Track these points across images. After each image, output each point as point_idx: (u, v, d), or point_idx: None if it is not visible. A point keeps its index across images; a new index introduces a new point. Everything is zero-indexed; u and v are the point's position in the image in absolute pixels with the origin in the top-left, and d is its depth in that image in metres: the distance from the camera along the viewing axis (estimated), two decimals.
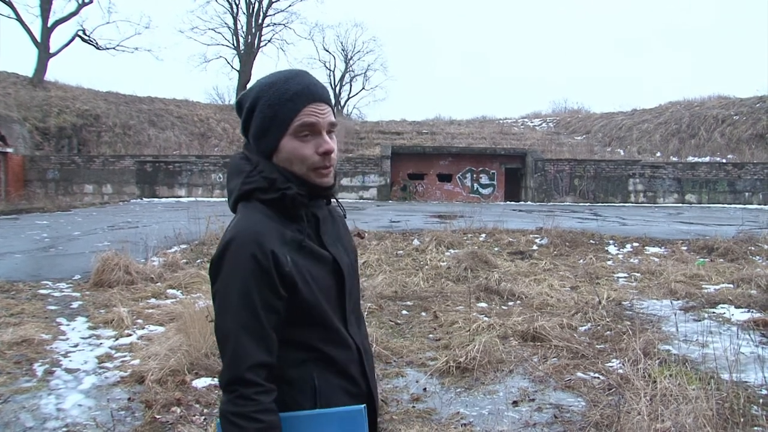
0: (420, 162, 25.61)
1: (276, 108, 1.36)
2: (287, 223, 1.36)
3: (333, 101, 1.62)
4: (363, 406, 1.36)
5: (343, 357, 1.41)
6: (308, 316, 1.35)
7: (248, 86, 1.48)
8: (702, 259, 9.26)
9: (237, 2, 37.03)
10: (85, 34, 31.42)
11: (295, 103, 1.36)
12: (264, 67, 75.68)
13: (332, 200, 1.52)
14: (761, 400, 3.78)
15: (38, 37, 29.24)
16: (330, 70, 48.79)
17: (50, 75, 30.29)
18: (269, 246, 1.29)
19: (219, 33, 40.71)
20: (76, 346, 5.10)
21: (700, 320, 5.80)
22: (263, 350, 1.28)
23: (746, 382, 4.06)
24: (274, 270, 1.28)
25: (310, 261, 1.36)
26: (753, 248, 9.83)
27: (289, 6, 38.59)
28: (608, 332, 5.33)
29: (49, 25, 29.46)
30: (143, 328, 5.58)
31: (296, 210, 1.36)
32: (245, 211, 1.36)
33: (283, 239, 1.32)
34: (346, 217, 1.58)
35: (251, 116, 1.40)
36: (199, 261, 8.88)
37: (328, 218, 1.49)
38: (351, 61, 49.27)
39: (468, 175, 25.57)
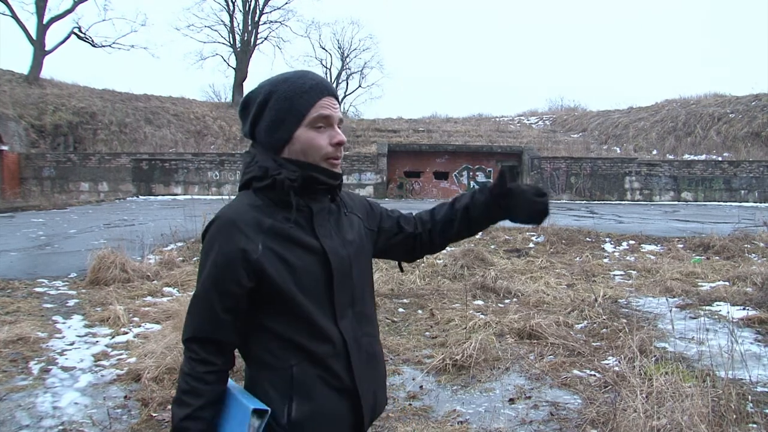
0: (416, 160, 25.59)
1: (292, 100, 1.43)
2: (276, 211, 1.42)
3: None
4: (268, 411, 1.35)
5: (321, 350, 1.42)
6: (280, 304, 1.39)
7: (258, 85, 1.53)
8: (698, 257, 9.29)
9: (233, 0, 36.94)
10: (81, 32, 31.33)
11: (311, 96, 1.44)
12: (260, 64, 75.75)
13: (338, 193, 1.54)
14: (755, 398, 3.79)
15: (33, 35, 29.13)
16: (326, 67, 48.67)
17: (46, 72, 30.24)
18: (238, 236, 1.37)
19: (215, 31, 40.91)
20: (72, 344, 5.09)
21: (696, 318, 5.81)
22: (209, 326, 1.39)
23: (741, 379, 4.07)
24: (239, 259, 1.36)
25: (292, 249, 1.40)
26: (749, 246, 9.86)
27: (286, 3, 38.51)
28: (604, 330, 5.33)
29: (44, 22, 29.35)
30: (139, 326, 5.56)
31: (286, 195, 1.42)
32: (236, 198, 1.47)
33: (260, 227, 1.39)
34: (346, 214, 1.57)
35: (263, 109, 1.46)
36: (195, 259, 8.85)
37: (327, 211, 1.51)
38: (347, 59, 49.19)
39: (464, 173, 25.57)
